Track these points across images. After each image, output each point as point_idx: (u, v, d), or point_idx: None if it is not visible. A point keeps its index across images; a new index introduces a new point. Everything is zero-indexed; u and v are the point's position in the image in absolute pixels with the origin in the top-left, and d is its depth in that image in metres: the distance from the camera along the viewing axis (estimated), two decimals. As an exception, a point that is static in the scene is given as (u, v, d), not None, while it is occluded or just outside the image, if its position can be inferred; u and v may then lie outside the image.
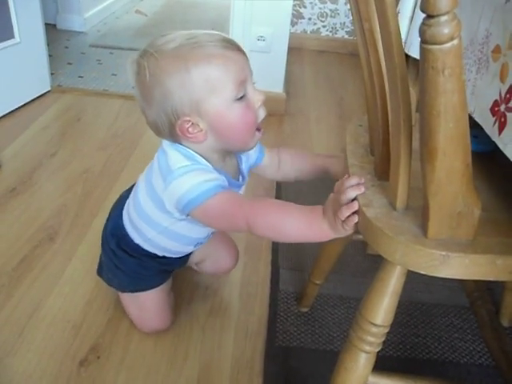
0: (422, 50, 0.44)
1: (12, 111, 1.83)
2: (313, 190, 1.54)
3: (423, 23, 0.43)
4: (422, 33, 0.43)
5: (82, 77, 2.28)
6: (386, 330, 0.65)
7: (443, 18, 0.41)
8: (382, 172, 0.68)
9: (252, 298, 1.13)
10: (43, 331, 1.00)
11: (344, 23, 2.93)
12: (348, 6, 2.87)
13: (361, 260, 1.27)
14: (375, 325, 0.64)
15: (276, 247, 1.28)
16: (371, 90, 0.68)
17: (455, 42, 0.42)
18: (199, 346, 1.00)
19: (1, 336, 0.98)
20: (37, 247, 1.21)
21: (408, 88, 0.54)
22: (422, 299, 1.15)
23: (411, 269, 0.57)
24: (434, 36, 0.42)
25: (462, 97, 0.45)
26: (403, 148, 0.57)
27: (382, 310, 0.63)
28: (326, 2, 2.88)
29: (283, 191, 1.52)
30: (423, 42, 0.43)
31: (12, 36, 1.79)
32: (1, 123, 1.76)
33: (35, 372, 0.92)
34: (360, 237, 1.01)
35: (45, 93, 2.02)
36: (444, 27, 0.41)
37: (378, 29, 0.58)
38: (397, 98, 0.54)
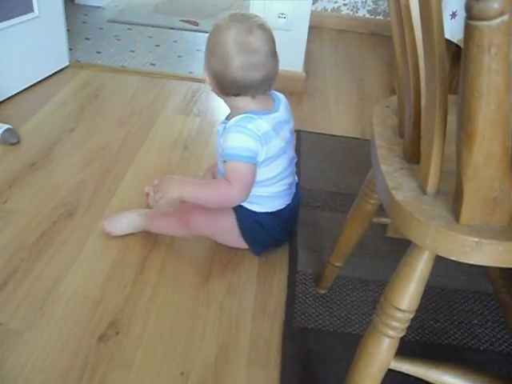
0: (467, 27, 0.42)
1: (31, 86, 1.83)
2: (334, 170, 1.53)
3: (470, -3, 0.40)
4: (468, 8, 0.41)
5: (99, 52, 2.26)
6: (411, 316, 0.64)
7: (493, -7, 0.39)
8: (412, 155, 0.66)
9: (270, 278, 1.13)
10: (63, 306, 1.01)
11: (365, 1, 2.86)
12: (370, -16, 2.80)
13: (380, 243, 1.25)
14: (400, 310, 0.63)
15: (294, 228, 1.27)
16: (403, 70, 0.66)
17: (505, 17, 0.39)
18: (217, 324, 1.00)
19: (21, 310, 0.99)
20: (56, 223, 1.22)
21: (446, 68, 0.51)
22: (442, 284, 1.14)
23: (441, 254, 0.56)
24: (482, 11, 0.40)
25: (506, 77, 0.43)
26: (437, 130, 0.55)
27: (407, 295, 0.62)
28: (348, -20, 2.81)
29: (302, 169, 1.51)
30: (469, 17, 0.41)
31: (31, 10, 1.77)
32: (20, 98, 1.76)
33: (55, 346, 0.93)
34: (381, 219, 1.01)
35: (63, 68, 2.01)
36: (494, 1, 0.39)
37: (415, 5, 0.56)
38: (433, 78, 0.52)
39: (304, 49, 2.00)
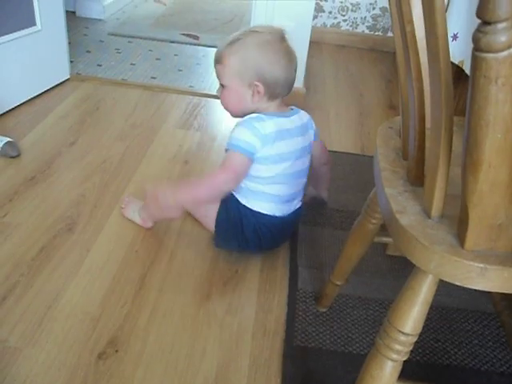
0: (475, 58, 0.42)
1: (31, 99, 1.83)
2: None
3: (478, 30, 0.41)
4: (475, 40, 0.41)
5: (100, 65, 2.27)
6: (415, 339, 0.64)
7: (501, 26, 0.40)
8: (416, 177, 0.66)
9: (270, 296, 1.12)
10: (62, 322, 1.00)
11: (365, 18, 2.89)
12: (369, 1, 2.83)
13: (380, 261, 1.25)
14: (404, 333, 0.63)
15: (295, 245, 1.27)
16: (408, 93, 0.66)
17: (512, 50, 0.40)
18: (217, 343, 1.00)
19: (20, 326, 0.98)
20: (55, 237, 1.21)
21: (451, 94, 0.52)
22: (442, 303, 1.14)
23: (446, 279, 0.56)
24: (489, 44, 0.40)
25: (513, 107, 0.44)
26: (442, 155, 0.55)
27: (411, 318, 0.62)
28: (348, -4, 2.84)
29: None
30: (477, 49, 0.42)
31: (34, 23, 1.78)
32: (20, 111, 1.76)
33: (54, 363, 0.92)
34: (382, 239, 1.01)
35: (64, 81, 2.01)
36: (501, 35, 0.40)
37: (421, 32, 0.57)
38: (439, 104, 0.53)
39: (304, 64, 2.02)
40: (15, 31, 1.70)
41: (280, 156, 1.12)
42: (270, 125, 1.10)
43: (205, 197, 1.13)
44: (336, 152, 1.75)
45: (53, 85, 1.95)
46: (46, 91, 1.91)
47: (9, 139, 1.51)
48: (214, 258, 1.21)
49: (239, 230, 1.16)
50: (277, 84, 1.11)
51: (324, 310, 1.09)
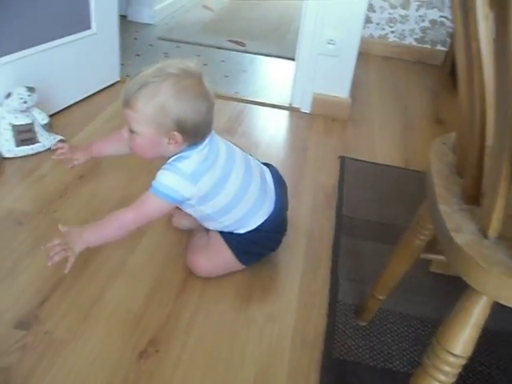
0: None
1: (83, 99, 1.89)
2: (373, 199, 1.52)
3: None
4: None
5: (149, 69, 2.32)
6: (464, 362, 0.63)
7: None
8: (472, 196, 0.65)
9: (310, 306, 1.12)
10: (106, 319, 1.02)
11: (413, 30, 2.85)
12: (419, 13, 2.80)
13: (422, 277, 1.23)
14: (454, 355, 0.62)
15: (336, 257, 1.27)
16: (468, 111, 0.65)
17: None
18: (256, 349, 1.00)
19: (66, 319, 1.01)
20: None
21: (518, 115, 0.51)
22: (486, 325, 1.11)
23: (502, 302, 0.55)
24: None
25: None
26: (504, 174, 0.54)
27: (461, 340, 0.61)
28: (397, 8, 2.82)
29: (345, 196, 1.50)
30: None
31: (89, 27, 1.84)
32: (72, 110, 1.82)
33: (97, 359, 0.94)
34: (429, 255, 0.99)
35: (114, 83, 2.07)
36: None
37: (486, 49, 0.56)
38: (504, 122, 0.52)
39: (351, 75, 2.01)
40: (72, 34, 1.76)
41: (218, 180, 1.06)
42: (193, 162, 1.02)
43: (112, 237, 1.06)
44: (380, 164, 1.74)
45: (103, 86, 2.01)
46: (96, 92, 1.96)
47: (61, 137, 1.56)
48: (255, 264, 1.21)
49: (260, 248, 1.17)
50: (198, 130, 1.01)
51: (364, 323, 1.08)
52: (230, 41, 2.83)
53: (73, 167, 1.23)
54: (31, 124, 1.50)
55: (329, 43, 1.95)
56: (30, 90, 1.48)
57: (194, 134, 1.01)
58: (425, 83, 2.58)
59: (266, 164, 1.25)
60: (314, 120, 2.01)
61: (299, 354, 1.00)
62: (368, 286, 1.17)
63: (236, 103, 2.06)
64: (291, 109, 2.08)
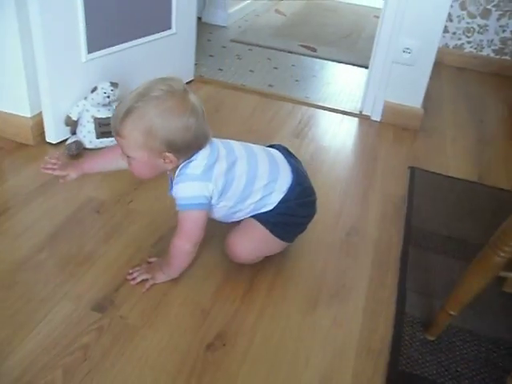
0: None
1: (159, 96, 1.96)
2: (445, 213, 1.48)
3: None
4: None
5: (221, 69, 2.37)
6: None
7: None
8: None
9: (376, 315, 1.11)
10: (176, 309, 1.06)
11: (492, 40, 2.76)
12: (500, 23, 2.70)
13: (495, 296, 1.19)
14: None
15: (404, 268, 1.25)
16: None
17: None
18: (321, 354, 1.00)
19: (139, 306, 1.05)
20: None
21: None
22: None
23: None
24: None
25: None
26: None
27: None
28: (476, 17, 2.73)
29: (414, 208, 1.48)
30: None
31: (170, 27, 1.91)
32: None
33: (167, 347, 0.97)
34: (509, 274, 0.96)
35: (188, 82, 2.13)
36: None
37: None
38: None
39: (425, 85, 1.97)
40: (154, 33, 1.83)
41: (228, 169, 1.07)
42: (199, 162, 1.03)
43: (184, 263, 1.11)
44: (451, 177, 1.69)
45: (178, 85, 2.07)
46: (171, 90, 2.03)
47: (138, 132, 1.62)
48: (322, 269, 1.22)
49: (289, 218, 1.14)
50: (189, 145, 1.01)
51: (432, 338, 1.06)
52: (302, 45, 2.85)
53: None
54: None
55: (404, 51, 1.92)
56: (114, 85, 1.55)
57: (186, 149, 1.01)
58: (502, 97, 2.49)
59: (270, 146, 1.25)
60: (384, 128, 1.99)
61: (364, 362, 0.99)
62: (436, 300, 1.14)
63: (306, 108, 2.07)
64: (361, 116, 2.06)
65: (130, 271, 1.12)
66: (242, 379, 0.93)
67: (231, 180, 1.07)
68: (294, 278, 1.18)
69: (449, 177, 1.70)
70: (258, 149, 1.17)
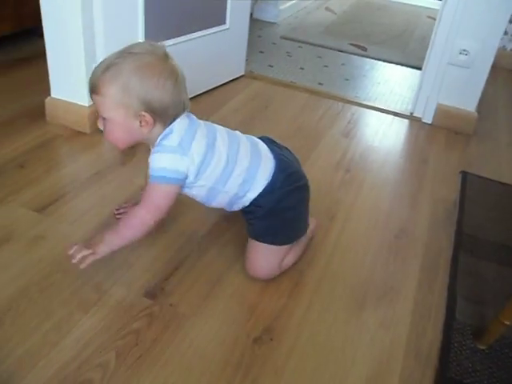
0: None
1: (210, 89, 1.98)
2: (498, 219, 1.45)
3: None
4: None
5: (271, 66, 2.38)
6: None
7: None
8: None
9: (425, 320, 1.09)
10: (224, 302, 1.07)
11: (551, 45, 2.66)
12: (561, 27, 2.60)
13: (550, 309, 1.15)
14: None
15: (454, 274, 1.22)
16: None
17: None
18: (368, 354, 0.99)
19: (189, 295, 1.07)
20: (224, 221, 1.30)
21: None
22: None
23: None
24: None
25: None
26: None
27: None
28: (536, 20, 2.64)
29: (466, 213, 1.44)
30: None
31: (224, 22, 1.93)
32: (200, 100, 1.91)
33: (216, 337, 0.99)
34: None
35: (239, 77, 2.14)
36: None
37: None
38: None
39: (481, 88, 1.92)
40: (208, 28, 1.85)
41: (207, 145, 1.02)
42: (177, 133, 1.00)
43: (133, 237, 1.03)
44: (506, 184, 1.64)
45: (229, 79, 2.09)
46: (222, 84, 2.05)
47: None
48: (370, 269, 1.21)
49: (282, 214, 1.10)
50: (167, 109, 0.98)
51: (483, 347, 1.03)
52: (352, 44, 2.82)
53: None
54: (166, 110, 1.60)
55: (461, 53, 1.88)
56: (169, 77, 1.57)
57: (163, 112, 0.98)
58: (560, 103, 2.40)
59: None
60: (436, 131, 1.95)
61: (412, 365, 0.98)
62: (488, 308, 1.12)
63: (356, 107, 2.05)
64: (412, 118, 2.03)
65: (70, 251, 1.01)
66: (289, 374, 0.94)
67: (210, 157, 1.03)
68: (342, 277, 1.18)
69: (503, 183, 1.65)
70: (239, 133, 1.15)
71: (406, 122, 2.01)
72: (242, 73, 2.17)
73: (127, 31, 1.54)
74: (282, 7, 3.09)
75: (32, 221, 1.23)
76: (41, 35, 2.00)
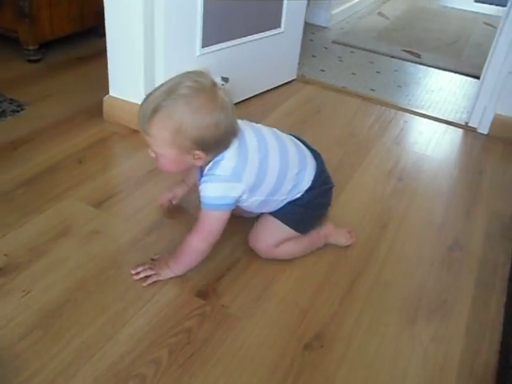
0: None
1: (261, 93, 1.99)
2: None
3: None
4: None
5: (323, 70, 2.37)
6: None
7: None
8: None
9: (480, 337, 1.06)
10: (275, 305, 1.07)
11: None
12: None
13: None
14: None
15: (511, 290, 1.18)
16: None
17: None
18: (419, 369, 0.97)
19: (240, 297, 1.07)
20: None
21: None
22: None
23: None
24: None
25: None
26: None
27: None
28: None
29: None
30: None
31: (279, 25, 1.93)
32: (253, 101, 1.92)
33: (266, 340, 0.99)
34: None
35: (290, 81, 2.14)
36: None
37: None
38: None
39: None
40: (263, 31, 1.86)
41: (260, 164, 1.05)
42: (229, 162, 1.01)
43: (193, 262, 1.09)
44: None
45: (281, 83, 2.09)
46: (274, 88, 2.05)
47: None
48: (423, 281, 1.18)
49: (313, 210, 1.18)
50: (220, 142, 0.99)
51: (542, 370, 0.99)
52: (405, 51, 2.77)
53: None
54: (219, 111, 1.61)
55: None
56: (225, 79, 1.59)
57: (216, 146, 0.99)
58: None
59: None
60: (492, 142, 1.89)
61: (466, 384, 0.96)
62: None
63: (408, 115, 2.01)
64: (466, 128, 1.97)
65: (135, 269, 1.09)
66: (340, 383, 0.93)
67: (263, 176, 1.06)
68: (393, 287, 1.16)
69: None
70: (285, 137, 1.16)
71: (460, 131, 1.96)
72: (294, 77, 2.17)
73: (186, 33, 1.56)
74: (334, 11, 3.08)
75: (89, 215, 1.26)
76: (100, 35, 2.06)
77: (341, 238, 1.25)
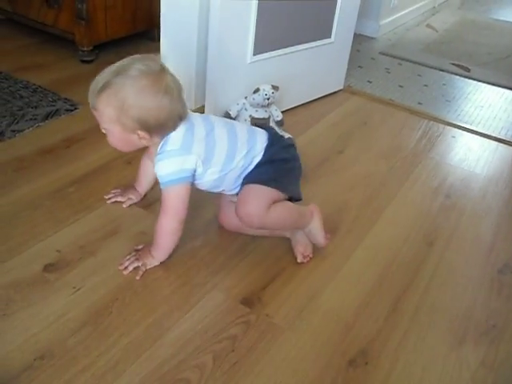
0: None
1: (308, 102, 1.99)
2: None
3: None
4: None
5: (370, 82, 2.35)
6: None
7: None
8: None
9: (530, 365, 1.03)
10: (318, 319, 1.06)
11: None
12: None
13: None
14: None
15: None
16: None
17: None
18: (466, 393, 0.95)
19: (284, 308, 1.07)
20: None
21: None
22: None
23: None
24: None
25: None
26: None
27: None
28: None
29: None
30: None
31: (329, 36, 1.92)
32: (298, 111, 1.92)
33: (309, 354, 0.98)
34: None
35: (337, 91, 2.13)
36: None
37: None
38: None
39: None
40: (313, 41, 1.86)
41: (207, 135, 1.08)
42: (177, 137, 1.05)
43: (171, 244, 1.12)
44: None
45: (328, 93, 2.08)
46: (320, 98, 2.05)
47: (289, 135, 1.65)
48: (471, 303, 1.16)
49: (277, 165, 1.15)
50: (164, 124, 1.03)
51: None
52: (454, 64, 2.72)
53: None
54: (267, 119, 1.62)
55: None
56: (274, 88, 1.60)
57: (160, 128, 1.03)
58: None
59: None
60: (545, 162, 1.83)
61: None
62: None
63: (456, 130, 1.97)
64: (518, 146, 1.92)
65: (122, 265, 1.12)
66: (384, 402, 0.91)
67: (212, 145, 1.08)
68: (440, 308, 1.13)
69: None
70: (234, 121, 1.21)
71: (511, 149, 1.90)
72: (341, 87, 2.16)
73: (238, 41, 1.58)
74: (382, 22, 3.05)
75: (137, 216, 1.28)
76: (152, 38, 2.10)
77: (320, 232, 1.20)
